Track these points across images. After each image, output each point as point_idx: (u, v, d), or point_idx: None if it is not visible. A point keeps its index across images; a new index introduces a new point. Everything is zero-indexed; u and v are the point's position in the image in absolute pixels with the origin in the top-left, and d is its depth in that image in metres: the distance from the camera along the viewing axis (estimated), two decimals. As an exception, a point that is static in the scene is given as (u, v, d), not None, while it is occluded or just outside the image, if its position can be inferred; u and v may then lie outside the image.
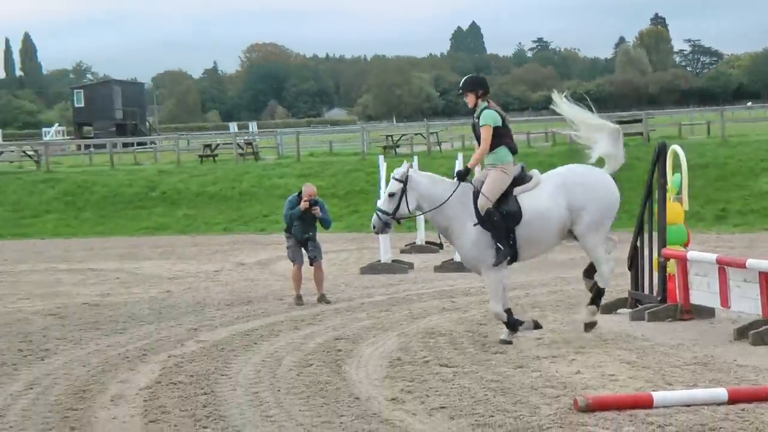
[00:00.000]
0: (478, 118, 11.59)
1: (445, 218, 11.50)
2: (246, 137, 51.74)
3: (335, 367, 10.57)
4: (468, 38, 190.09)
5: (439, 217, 11.54)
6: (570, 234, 11.61)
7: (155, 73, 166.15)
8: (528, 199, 11.34)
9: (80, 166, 45.69)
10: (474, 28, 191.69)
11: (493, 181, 11.35)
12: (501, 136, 11.50)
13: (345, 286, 17.33)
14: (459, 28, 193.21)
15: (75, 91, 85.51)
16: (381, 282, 17.18)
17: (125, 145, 55.83)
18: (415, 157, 21.64)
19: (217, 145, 46.27)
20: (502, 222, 11.22)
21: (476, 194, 11.39)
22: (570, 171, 11.77)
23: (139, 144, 59.45)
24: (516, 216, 11.26)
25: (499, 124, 11.51)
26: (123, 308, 15.62)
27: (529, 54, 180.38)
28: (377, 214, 11.57)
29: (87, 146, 56.39)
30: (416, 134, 45.09)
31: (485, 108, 11.61)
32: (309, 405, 8.97)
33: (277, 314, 14.52)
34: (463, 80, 12.02)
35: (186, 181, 36.88)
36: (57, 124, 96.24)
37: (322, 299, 15.54)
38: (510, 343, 11.40)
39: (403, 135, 45.16)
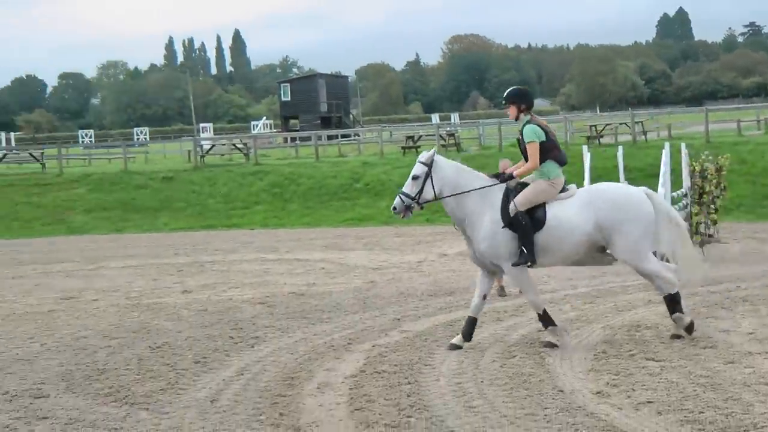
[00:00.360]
0: (522, 133, 11.46)
1: (463, 210, 11.43)
2: (448, 128, 51.92)
3: (539, 359, 10.48)
4: (675, 24, 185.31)
5: (458, 209, 11.45)
6: (604, 252, 11.40)
7: (359, 66, 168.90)
8: (555, 208, 11.21)
9: (287, 158, 46.83)
10: (681, 13, 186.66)
11: (536, 189, 11.26)
12: (547, 151, 11.38)
13: (548, 278, 17.12)
14: (665, 14, 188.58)
15: (282, 85, 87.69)
16: (585, 274, 16.87)
17: (330, 137, 56.94)
18: (620, 147, 21.13)
19: (420, 136, 46.58)
20: (529, 226, 11.07)
21: (506, 194, 11.28)
22: (601, 188, 11.64)
23: (343, 136, 60.53)
24: (539, 222, 11.12)
25: (543, 138, 11.35)
26: (328, 298, 15.90)
27: (740, 39, 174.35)
28: (400, 197, 11.49)
29: (293, 139, 57.85)
30: (621, 124, 44.16)
31: (527, 122, 11.47)
32: (512, 396, 8.93)
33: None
34: (507, 92, 11.84)
35: (389, 172, 37.25)
36: (264, 118, 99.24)
37: (501, 291, 15.43)
38: (459, 348, 11.23)
39: (607, 125, 44.25)
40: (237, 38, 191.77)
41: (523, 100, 11.61)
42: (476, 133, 51.51)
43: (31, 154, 49.98)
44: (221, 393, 9.68)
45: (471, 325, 11.46)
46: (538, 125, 11.46)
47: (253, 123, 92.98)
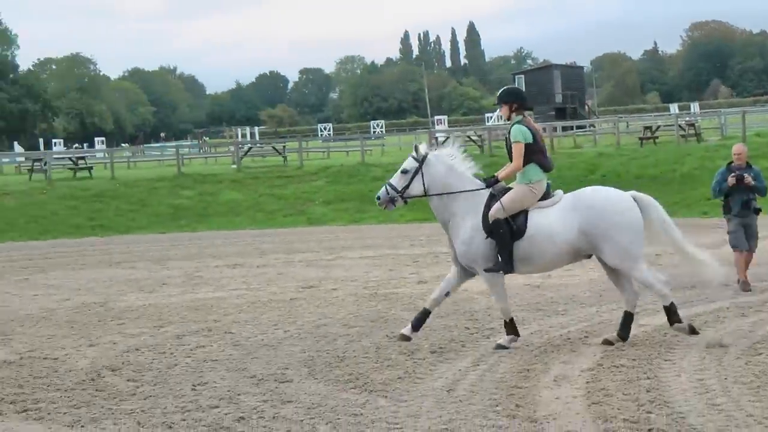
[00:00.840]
0: (509, 132, 11.17)
1: (449, 212, 11.25)
2: (687, 118, 50.52)
3: (787, 358, 10.04)
4: None
5: (443, 209, 11.29)
6: (588, 257, 11.19)
7: (594, 56, 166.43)
8: (537, 216, 10.91)
9: (521, 150, 46.61)
10: None
11: (515, 195, 11.01)
12: (532, 153, 11.06)
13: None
14: None
15: (516, 76, 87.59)
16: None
17: (564, 128, 56.42)
18: None
19: (658, 126, 45.56)
20: (508, 235, 10.79)
21: (490, 199, 11.04)
22: (584, 194, 11.14)
23: (578, 127, 59.84)
24: (520, 230, 10.86)
25: (530, 140, 11.05)
26: (563, 290, 15.76)
27: None
28: (386, 188, 11.35)
29: (528, 130, 57.50)
30: None
31: (517, 123, 11.17)
32: (759, 396, 8.59)
33: (722, 300, 14.03)
34: (499, 92, 11.61)
35: (626, 163, 36.57)
36: (499, 110, 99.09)
37: (745, 286, 14.84)
38: (506, 348, 11.17)
39: None
40: (471, 30, 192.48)
41: (515, 99, 11.47)
42: (717, 122, 49.81)
43: (273, 147, 51.92)
44: (458, 383, 9.75)
45: (423, 316, 11.61)
46: (528, 127, 11.24)
47: (487, 115, 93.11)
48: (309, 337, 12.72)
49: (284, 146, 50.93)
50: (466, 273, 11.62)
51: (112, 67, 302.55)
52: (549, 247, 11.01)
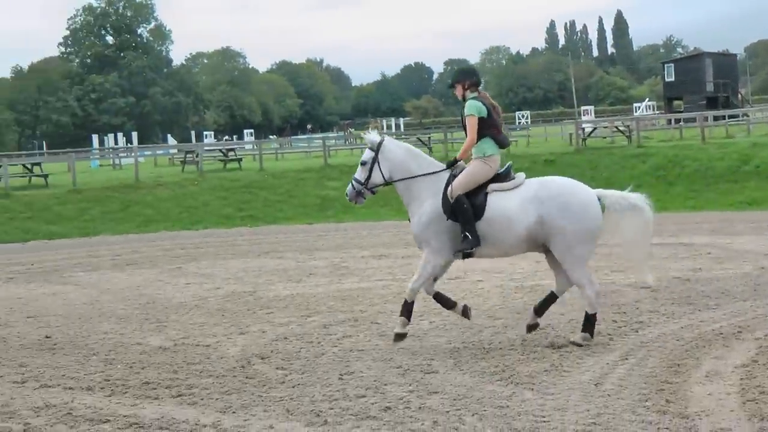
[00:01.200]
0: (464, 108, 10.99)
1: (411, 195, 11.25)
2: None
3: None
4: None
5: (407, 193, 11.28)
6: (543, 247, 10.92)
7: (748, 43, 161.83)
8: (497, 198, 10.73)
9: (671, 140, 45.69)
10: None
11: (468, 174, 10.85)
12: (486, 128, 10.88)
13: None
14: None
15: (665, 65, 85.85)
16: None
17: (716, 118, 55.00)
18: None
19: (816, 115, 44.07)
20: (470, 211, 10.59)
21: (450, 180, 10.93)
22: (551, 183, 10.87)
23: (730, 117, 58.24)
24: (479, 210, 10.66)
25: (484, 114, 10.89)
26: (715, 283, 15.36)
27: None
28: (351, 183, 11.38)
29: (677, 120, 56.36)
30: None
31: (471, 98, 11.01)
32: None
33: None
34: (453, 72, 11.46)
35: (781, 153, 35.39)
36: (647, 99, 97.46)
37: None
38: (404, 336, 11.55)
39: None
40: (619, 19, 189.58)
41: (467, 78, 11.35)
42: None
43: (419, 138, 52.08)
44: (605, 377, 9.63)
45: (465, 310, 11.86)
46: (483, 102, 11.07)
47: (635, 105, 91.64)
48: (454, 328, 12.72)
49: (429, 137, 51.07)
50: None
51: (260, 60, 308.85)
52: (508, 230, 10.93)
